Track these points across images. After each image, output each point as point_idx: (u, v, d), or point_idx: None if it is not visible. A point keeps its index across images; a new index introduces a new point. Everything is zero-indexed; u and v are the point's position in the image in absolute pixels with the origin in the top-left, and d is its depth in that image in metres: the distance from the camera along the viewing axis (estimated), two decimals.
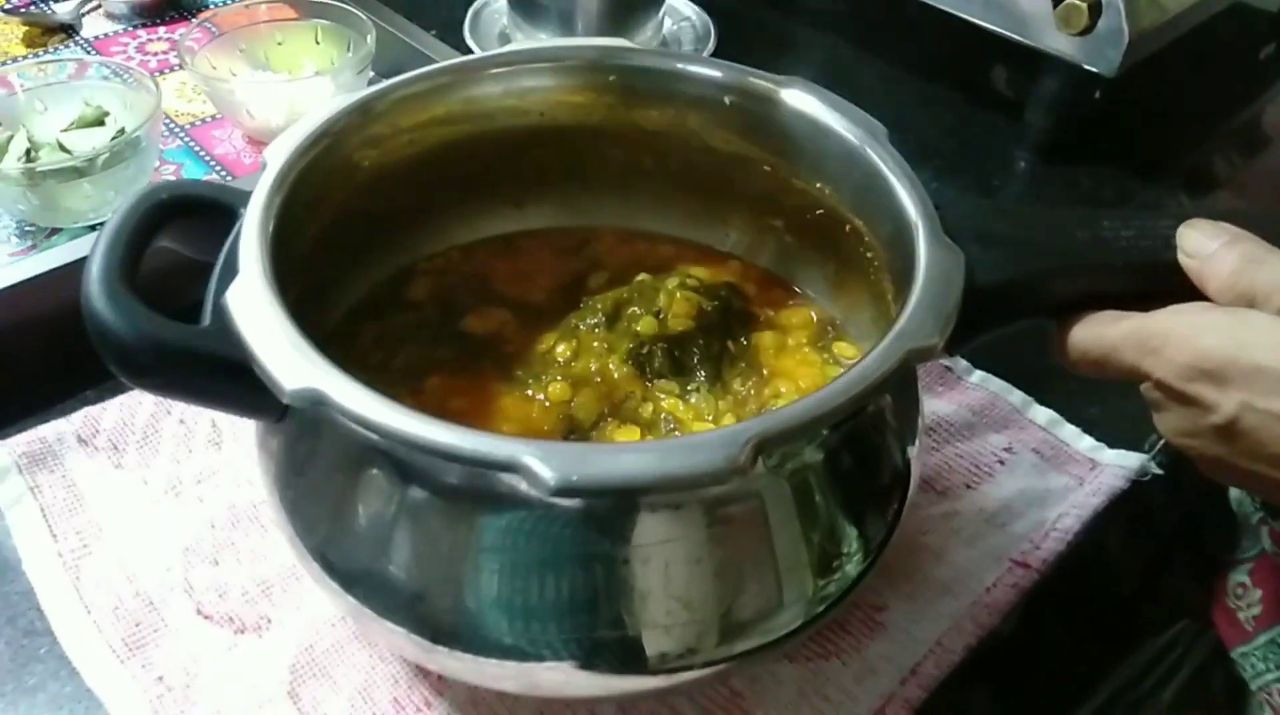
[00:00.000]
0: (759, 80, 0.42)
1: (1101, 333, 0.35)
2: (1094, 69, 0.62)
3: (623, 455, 0.28)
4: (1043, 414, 0.51)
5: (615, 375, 0.41)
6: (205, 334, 0.32)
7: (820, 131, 0.40)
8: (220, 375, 0.31)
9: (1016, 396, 0.52)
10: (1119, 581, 0.46)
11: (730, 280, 0.46)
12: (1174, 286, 0.34)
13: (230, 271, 0.33)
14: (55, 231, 0.58)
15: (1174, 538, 0.47)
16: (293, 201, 0.36)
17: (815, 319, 0.45)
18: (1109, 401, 0.52)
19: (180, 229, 0.36)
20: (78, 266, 0.49)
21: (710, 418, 0.40)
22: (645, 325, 0.42)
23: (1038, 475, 0.48)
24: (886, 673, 0.40)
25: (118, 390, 0.50)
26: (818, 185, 0.42)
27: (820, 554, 0.33)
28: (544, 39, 0.74)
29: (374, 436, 0.29)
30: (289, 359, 0.30)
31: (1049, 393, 0.52)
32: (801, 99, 0.41)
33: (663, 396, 0.41)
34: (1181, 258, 0.35)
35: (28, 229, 0.58)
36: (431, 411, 0.40)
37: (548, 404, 0.41)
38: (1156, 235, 0.36)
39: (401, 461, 0.31)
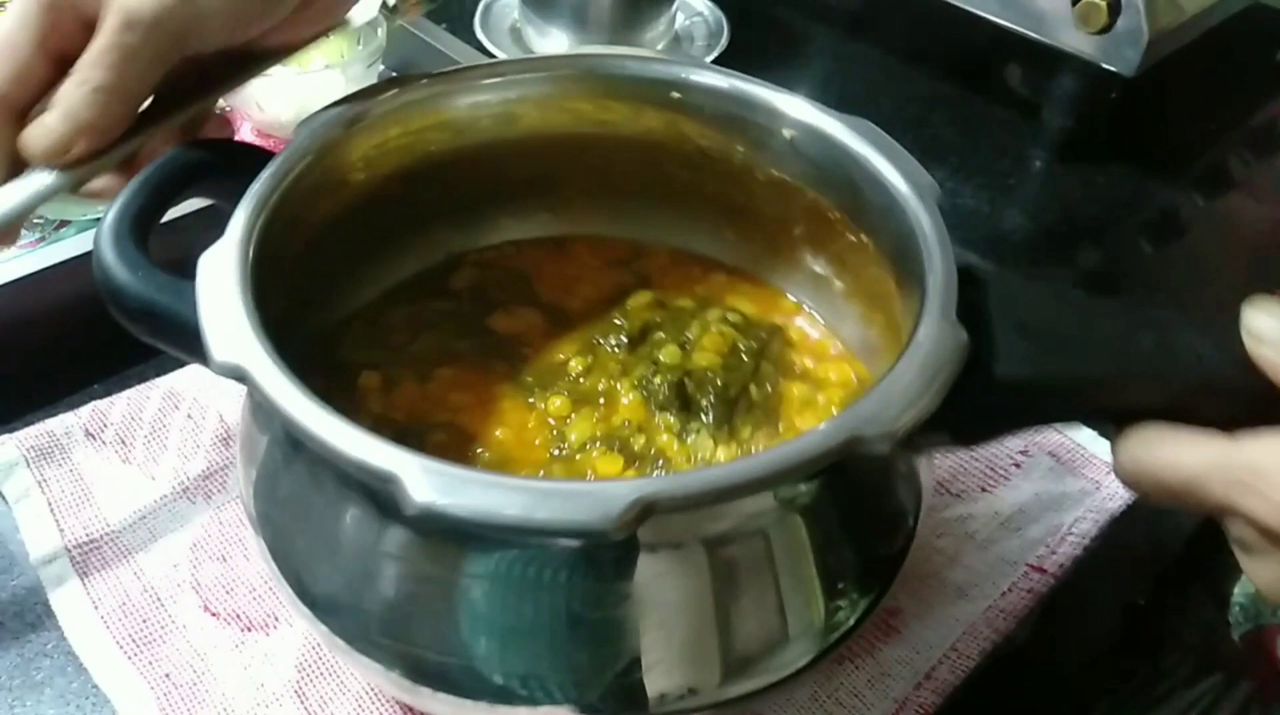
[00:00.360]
0: (825, 117, 0.39)
1: (1177, 458, 0.29)
2: (1112, 68, 0.61)
3: (499, 490, 0.26)
4: None
5: (621, 400, 0.40)
6: (183, 292, 0.32)
7: (872, 180, 0.37)
8: (190, 334, 0.32)
9: None
10: (1136, 587, 0.46)
11: (778, 322, 0.44)
12: (1267, 412, 0.29)
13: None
14: (63, 224, 0.58)
15: (1192, 545, 0.46)
16: (316, 174, 0.37)
17: (856, 380, 0.42)
18: None
19: (214, 184, 0.37)
20: (85, 260, 0.49)
21: (700, 462, 0.39)
22: (668, 354, 0.41)
23: (1054, 479, 0.47)
24: (900, 677, 0.40)
25: (125, 384, 0.49)
26: (863, 237, 0.39)
27: (828, 586, 0.32)
28: (556, 34, 0.74)
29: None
30: (226, 331, 0.30)
31: None
32: (861, 143, 0.38)
33: (662, 431, 0.39)
34: (1250, 343, 0.29)
35: (36, 221, 0.58)
36: (431, 402, 0.42)
37: (547, 416, 0.40)
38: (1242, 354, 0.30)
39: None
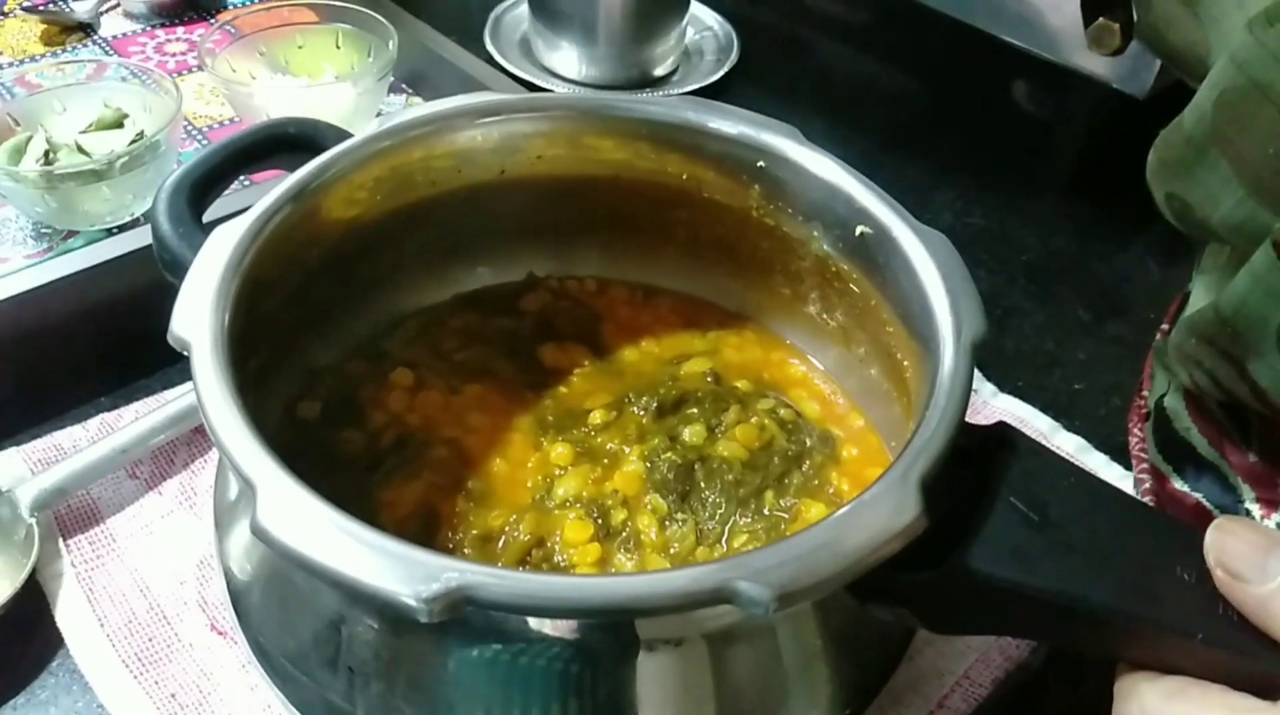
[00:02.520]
0: (903, 225, 0.36)
1: None
2: (1125, 90, 0.61)
3: (338, 536, 0.25)
4: (1070, 441, 0.50)
5: (623, 466, 0.39)
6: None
7: (924, 304, 0.34)
8: None
9: (1043, 421, 0.51)
10: None
11: (835, 432, 0.42)
12: None
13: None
14: (71, 234, 0.57)
15: None
16: (389, 165, 0.39)
17: None
18: None
19: (296, 157, 0.38)
20: (93, 273, 0.49)
21: (669, 556, 0.37)
22: (693, 434, 0.40)
23: None
24: (912, 705, 0.39)
25: (133, 397, 0.49)
26: (904, 361, 0.37)
27: (835, 675, 0.32)
28: (566, 47, 0.73)
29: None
30: (195, 308, 0.31)
31: (1077, 418, 0.51)
32: (927, 261, 0.35)
33: (647, 512, 0.38)
34: (1220, 576, 0.25)
35: (44, 231, 0.57)
36: (450, 415, 0.42)
37: (547, 460, 0.40)
38: None
39: None
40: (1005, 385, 0.53)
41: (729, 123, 0.41)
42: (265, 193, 0.35)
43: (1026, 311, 0.59)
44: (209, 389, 0.28)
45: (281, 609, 0.31)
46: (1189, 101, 0.32)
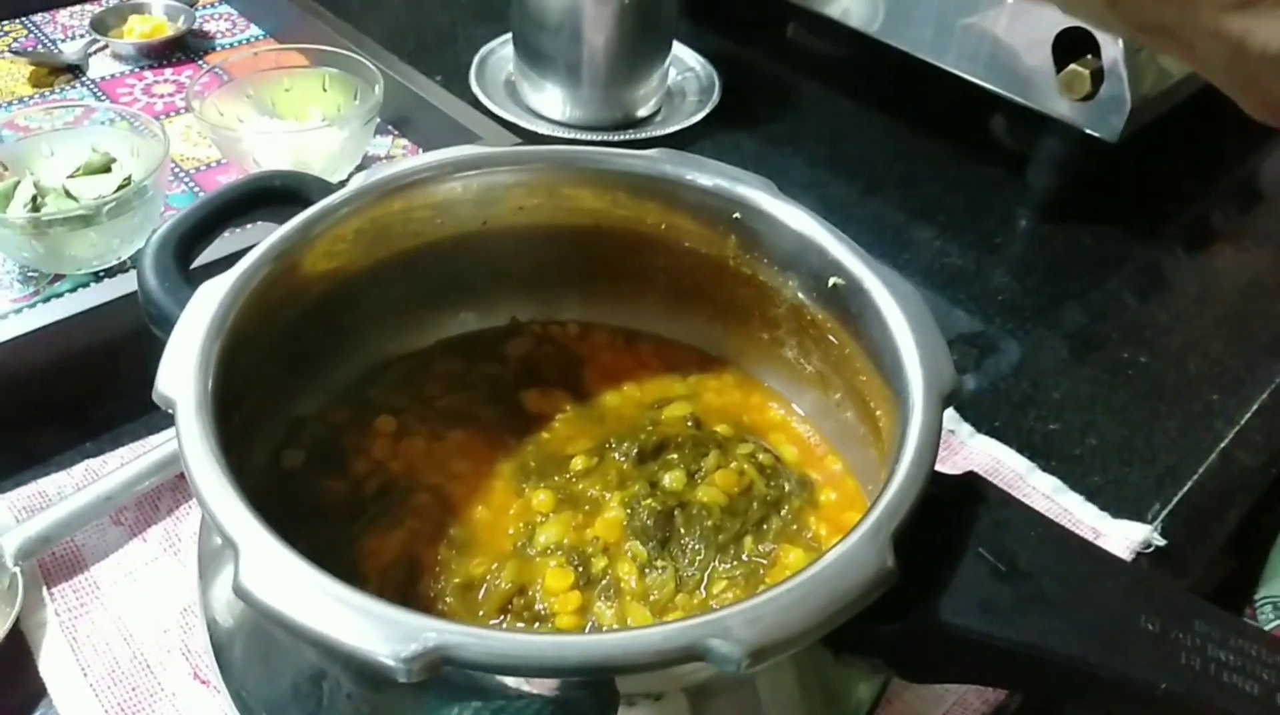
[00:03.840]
0: (872, 276, 0.37)
1: None
2: (1097, 134, 0.62)
3: (318, 597, 0.25)
4: (1046, 481, 0.50)
5: (604, 513, 0.40)
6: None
7: (894, 357, 0.35)
8: None
9: (1019, 462, 0.51)
10: None
11: (814, 477, 0.42)
12: None
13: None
14: (58, 278, 0.58)
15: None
16: (373, 214, 0.40)
17: None
18: (1111, 470, 0.52)
19: (280, 210, 0.39)
20: (77, 320, 0.49)
21: (649, 604, 0.37)
22: (673, 480, 0.41)
23: None
24: None
25: (117, 442, 0.49)
26: (877, 412, 0.38)
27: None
28: (550, 89, 0.74)
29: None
30: (179, 367, 0.32)
31: (1053, 459, 0.52)
32: (897, 314, 0.36)
33: (628, 560, 0.38)
34: None
35: (30, 275, 0.58)
36: (432, 462, 0.42)
37: (529, 507, 0.41)
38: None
39: None
40: (982, 425, 0.53)
41: (705, 175, 0.42)
42: (249, 238, 0.36)
43: (1003, 350, 0.60)
44: (193, 449, 0.29)
45: (264, 663, 0.31)
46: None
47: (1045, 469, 0.51)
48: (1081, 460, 0.53)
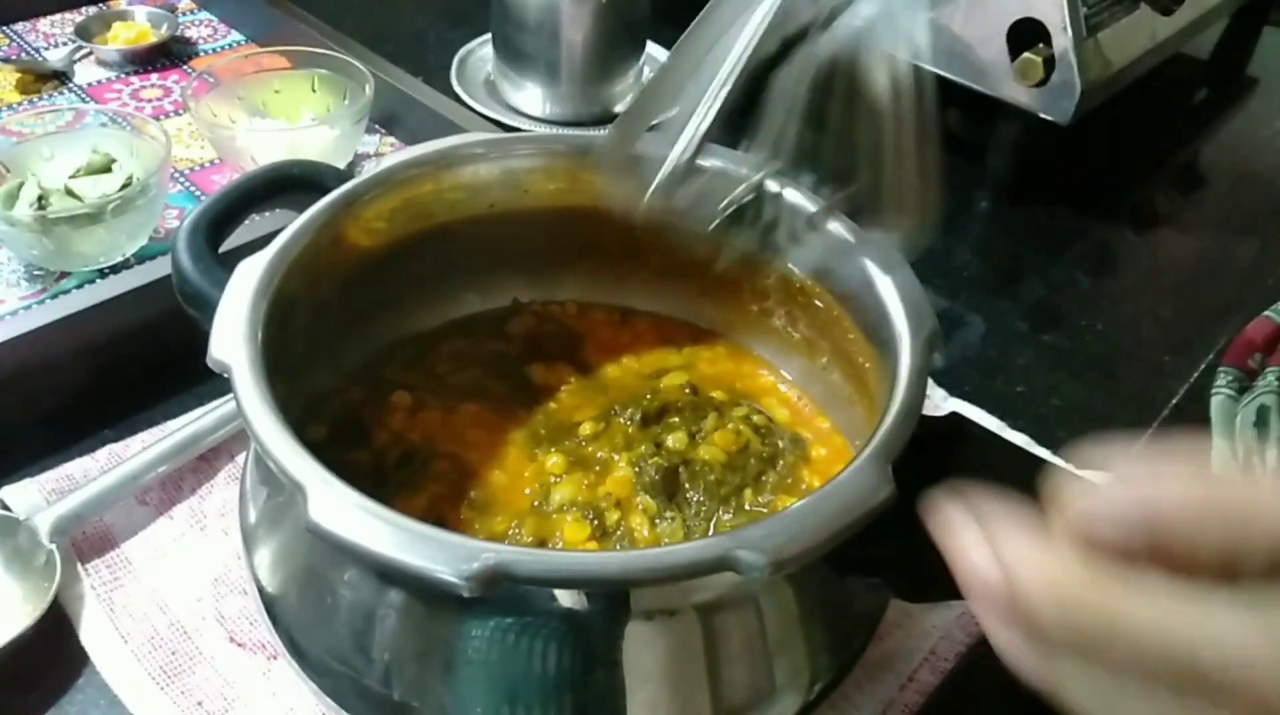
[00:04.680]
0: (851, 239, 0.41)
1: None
2: (1050, 117, 0.67)
3: (384, 527, 0.28)
4: (1016, 438, 0.54)
5: (614, 472, 0.43)
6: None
7: (880, 309, 0.39)
8: None
9: (991, 422, 0.55)
10: None
11: (805, 435, 0.45)
12: None
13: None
14: (64, 275, 0.60)
15: None
16: (388, 200, 0.42)
17: None
18: (1075, 426, 0.56)
19: (300, 197, 0.42)
20: (91, 312, 0.51)
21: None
22: (676, 441, 0.43)
23: None
24: (885, 680, 0.43)
25: (136, 428, 0.51)
26: (865, 363, 0.41)
27: (812, 646, 0.35)
28: (530, 87, 0.77)
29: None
30: (230, 334, 0.34)
31: (1020, 418, 0.56)
32: (877, 269, 0.40)
33: (639, 512, 0.41)
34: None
35: (37, 273, 0.59)
36: (449, 432, 0.45)
37: (543, 470, 0.43)
38: None
39: None
40: (954, 390, 0.57)
41: (702, 158, 0.45)
42: (261, 229, 0.38)
43: (970, 323, 0.64)
44: (251, 403, 0.31)
45: (318, 608, 0.34)
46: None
47: (1014, 427, 0.55)
48: (1047, 419, 0.57)
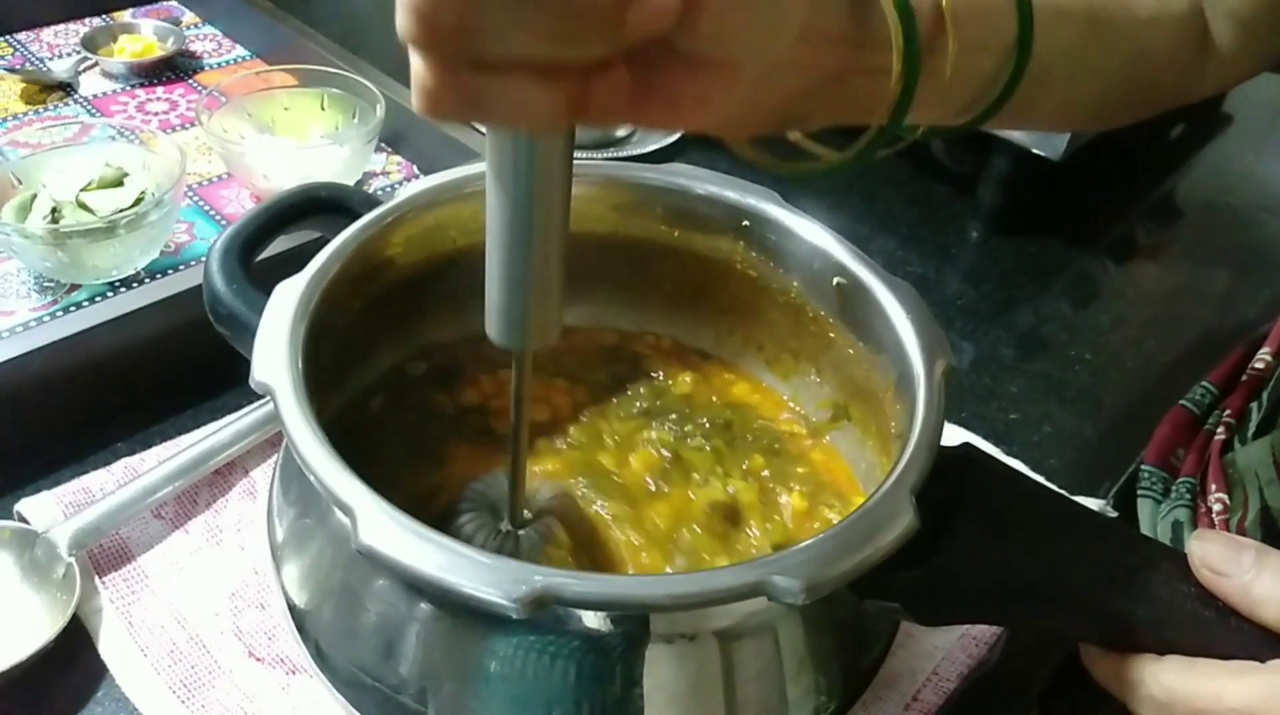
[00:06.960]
0: (872, 277, 0.43)
1: (1222, 690, 0.29)
2: (1042, 153, 0.69)
3: (433, 550, 0.29)
4: (1011, 465, 0.56)
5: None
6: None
7: (895, 342, 0.40)
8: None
9: (987, 448, 0.57)
10: None
11: (806, 445, 0.48)
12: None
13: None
14: (75, 287, 0.60)
15: None
16: (411, 228, 0.43)
17: None
18: (1066, 453, 0.58)
19: (326, 219, 0.43)
20: (105, 328, 0.52)
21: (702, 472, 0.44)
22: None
23: None
24: (890, 700, 0.44)
25: (149, 442, 0.52)
26: (880, 394, 0.42)
27: (833, 663, 0.36)
28: None
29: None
30: (271, 357, 0.34)
31: (1015, 444, 0.58)
32: (895, 304, 0.41)
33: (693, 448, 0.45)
34: (1205, 575, 0.31)
35: (47, 284, 0.60)
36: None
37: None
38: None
39: None
40: (950, 416, 0.59)
41: (716, 187, 0.46)
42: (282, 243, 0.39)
43: (963, 350, 0.66)
44: (297, 428, 0.32)
45: (351, 624, 0.35)
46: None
47: (1009, 453, 0.57)
48: (1040, 445, 0.58)
